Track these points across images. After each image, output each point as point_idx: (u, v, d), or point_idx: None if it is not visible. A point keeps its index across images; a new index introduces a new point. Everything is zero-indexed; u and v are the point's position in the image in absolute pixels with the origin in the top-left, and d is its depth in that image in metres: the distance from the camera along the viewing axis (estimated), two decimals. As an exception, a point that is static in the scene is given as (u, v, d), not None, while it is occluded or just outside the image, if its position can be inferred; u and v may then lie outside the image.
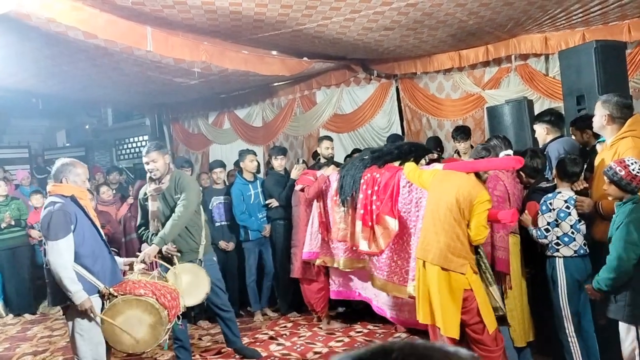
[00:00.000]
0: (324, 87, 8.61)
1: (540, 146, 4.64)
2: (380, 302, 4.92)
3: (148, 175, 4.48)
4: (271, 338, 5.37)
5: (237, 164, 6.91)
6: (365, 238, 4.37)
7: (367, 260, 4.66)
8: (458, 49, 7.07)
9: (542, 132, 4.59)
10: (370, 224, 4.30)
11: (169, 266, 4.31)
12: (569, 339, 3.63)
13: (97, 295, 3.59)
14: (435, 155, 4.56)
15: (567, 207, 3.65)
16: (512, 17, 5.79)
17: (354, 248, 4.51)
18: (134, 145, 12.59)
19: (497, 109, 6.15)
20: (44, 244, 3.62)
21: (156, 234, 4.34)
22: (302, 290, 5.49)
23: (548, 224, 3.65)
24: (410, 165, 4.09)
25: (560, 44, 6.29)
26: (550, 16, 5.78)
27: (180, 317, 4.08)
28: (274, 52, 6.81)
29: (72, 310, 3.56)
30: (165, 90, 8.06)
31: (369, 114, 8.21)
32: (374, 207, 4.31)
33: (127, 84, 7.47)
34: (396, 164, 4.45)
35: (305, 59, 7.20)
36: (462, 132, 5.90)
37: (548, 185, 3.99)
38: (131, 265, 4.04)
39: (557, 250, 3.64)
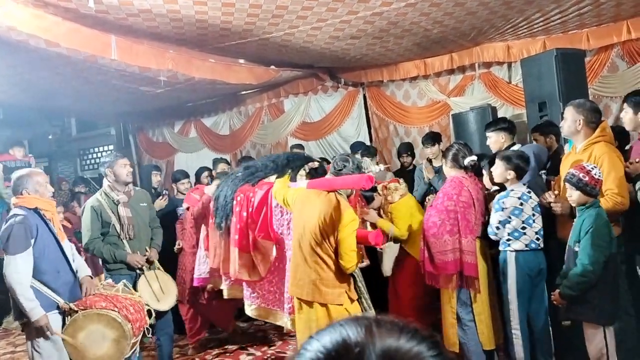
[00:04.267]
0: (291, 96, 8.62)
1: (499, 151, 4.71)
2: None
3: (109, 183, 4.44)
4: (241, 348, 5.32)
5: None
6: (244, 266, 3.98)
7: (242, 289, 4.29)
8: (423, 57, 7.17)
9: (500, 140, 4.63)
10: (248, 250, 3.96)
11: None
12: (513, 332, 3.71)
13: (57, 311, 3.49)
14: (317, 164, 4.14)
15: (521, 204, 3.73)
16: (475, 26, 5.91)
17: (232, 277, 4.14)
18: (99, 155, 12.33)
19: (462, 116, 6.27)
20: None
21: (132, 239, 4.38)
22: (180, 307, 5.25)
23: (499, 222, 3.75)
24: (278, 184, 3.80)
25: (522, 52, 6.43)
26: (512, 25, 5.91)
27: (150, 330, 4.02)
28: (241, 61, 6.79)
29: (30, 327, 3.44)
30: (130, 99, 7.94)
31: (337, 121, 8.25)
32: (249, 230, 3.96)
33: (91, 93, 7.33)
34: (272, 178, 4.10)
35: (272, 67, 7.20)
36: (428, 138, 6.01)
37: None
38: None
39: (509, 245, 3.74)
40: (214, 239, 4.43)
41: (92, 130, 12.37)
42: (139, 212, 4.52)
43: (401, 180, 4.77)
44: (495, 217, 3.78)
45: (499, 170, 3.84)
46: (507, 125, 4.70)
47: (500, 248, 3.83)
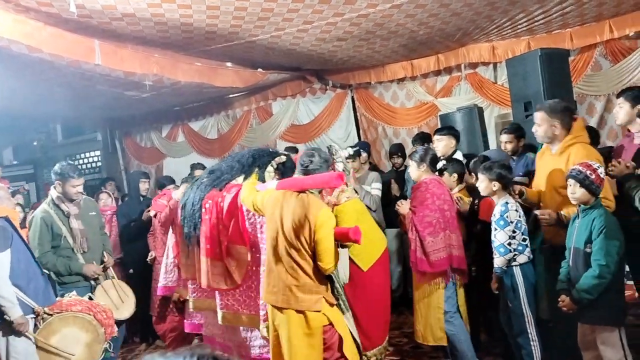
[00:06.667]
0: (279, 98, 8.61)
1: (442, 156, 4.76)
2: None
3: (53, 197, 4.34)
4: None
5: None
6: (219, 274, 3.80)
7: (212, 301, 4.06)
8: (410, 58, 7.19)
9: (449, 144, 4.96)
10: (220, 257, 3.79)
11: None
12: (532, 342, 3.65)
13: (31, 316, 3.46)
14: (284, 158, 3.94)
15: (520, 216, 3.68)
16: (461, 27, 5.93)
17: (208, 288, 3.94)
18: (86, 161, 12.23)
19: (449, 117, 6.28)
20: None
21: (86, 252, 4.34)
22: (155, 325, 5.21)
23: (510, 237, 3.62)
24: (246, 188, 3.62)
25: (507, 53, 6.48)
26: (496, 25, 5.95)
27: (112, 344, 3.92)
28: (228, 64, 6.77)
29: (5, 328, 3.39)
30: (116, 104, 7.88)
31: (326, 123, 8.25)
32: (221, 237, 3.79)
33: (76, 98, 7.26)
34: (240, 179, 3.94)
35: (259, 70, 7.18)
36: (418, 138, 6.00)
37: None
38: None
39: (514, 259, 3.66)
40: (183, 249, 4.24)
41: (78, 136, 12.26)
42: (89, 222, 4.48)
43: (348, 184, 4.38)
44: (504, 235, 3.63)
45: (484, 184, 3.78)
46: (457, 133, 5.10)
47: (499, 264, 3.69)
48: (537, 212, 3.60)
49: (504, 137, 4.90)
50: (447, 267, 4.02)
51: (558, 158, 3.61)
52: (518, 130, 4.90)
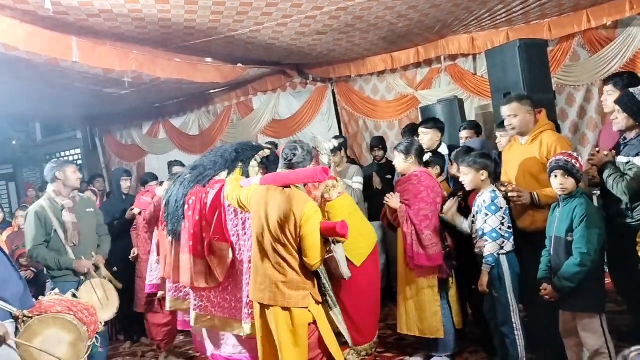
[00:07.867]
0: (260, 93, 8.58)
1: (428, 149, 4.78)
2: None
3: (54, 188, 4.40)
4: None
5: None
6: (200, 273, 3.74)
7: (188, 301, 3.98)
8: (390, 51, 7.21)
9: (435, 137, 5.00)
10: (203, 255, 3.73)
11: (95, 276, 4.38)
12: (515, 332, 3.64)
13: (11, 321, 3.36)
14: (268, 152, 3.93)
15: (506, 203, 3.68)
16: (440, 19, 5.95)
17: (187, 285, 3.88)
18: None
19: (430, 109, 6.32)
20: None
21: (76, 246, 4.32)
22: (146, 323, 5.17)
23: (500, 223, 3.61)
24: (229, 185, 3.59)
25: (486, 44, 6.51)
26: (475, 17, 5.98)
27: (99, 338, 3.88)
28: (208, 59, 6.73)
29: None
30: (95, 101, 7.80)
31: (307, 118, 8.25)
32: (204, 234, 3.74)
33: (55, 96, 7.18)
34: (224, 174, 3.87)
35: (239, 65, 7.15)
36: (407, 130, 5.97)
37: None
38: None
39: (502, 248, 3.64)
40: (163, 247, 4.17)
41: (57, 135, 12.14)
42: (84, 217, 4.47)
43: (339, 179, 4.34)
44: (496, 220, 3.59)
45: (471, 176, 3.76)
46: (443, 126, 5.14)
47: (491, 250, 3.63)
48: (507, 188, 3.60)
49: (464, 133, 5.14)
50: (442, 260, 3.99)
51: (530, 146, 3.66)
52: (477, 127, 5.17)
